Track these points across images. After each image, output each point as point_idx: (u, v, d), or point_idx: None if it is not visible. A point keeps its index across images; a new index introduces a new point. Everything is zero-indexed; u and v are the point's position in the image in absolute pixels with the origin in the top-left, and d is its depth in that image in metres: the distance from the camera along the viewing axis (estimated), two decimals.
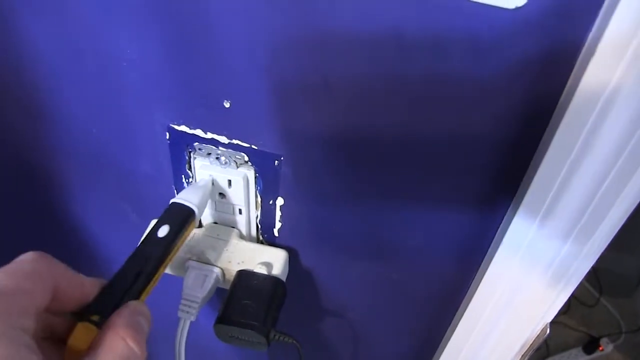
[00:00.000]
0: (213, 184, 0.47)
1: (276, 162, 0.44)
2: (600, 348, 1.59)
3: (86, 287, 0.31)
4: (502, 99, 0.35)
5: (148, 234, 0.40)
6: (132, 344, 0.28)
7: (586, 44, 0.31)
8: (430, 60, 0.34)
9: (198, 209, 0.43)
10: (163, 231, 0.40)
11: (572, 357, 1.60)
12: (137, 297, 0.34)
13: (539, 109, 0.35)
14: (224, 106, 0.42)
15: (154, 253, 0.38)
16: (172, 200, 0.43)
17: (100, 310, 0.31)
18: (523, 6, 0.30)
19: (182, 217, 0.42)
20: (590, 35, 0.31)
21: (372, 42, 0.34)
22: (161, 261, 0.38)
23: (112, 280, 0.34)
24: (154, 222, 0.52)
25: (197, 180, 0.48)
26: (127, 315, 0.31)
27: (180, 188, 0.50)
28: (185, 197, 0.43)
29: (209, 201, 0.49)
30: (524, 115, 0.36)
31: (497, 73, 0.34)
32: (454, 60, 0.34)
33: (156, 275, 0.37)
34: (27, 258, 0.28)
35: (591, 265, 0.43)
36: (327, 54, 0.36)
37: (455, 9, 0.31)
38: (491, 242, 0.46)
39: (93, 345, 0.28)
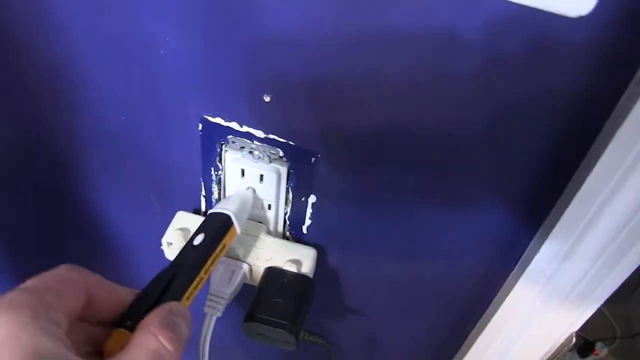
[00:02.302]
0: (255, 192, 0.47)
1: (312, 159, 0.44)
2: (595, 352, 1.61)
3: (122, 295, 0.31)
4: (553, 109, 0.35)
5: (185, 245, 0.40)
6: (165, 341, 0.28)
7: None
8: (483, 65, 0.34)
9: (235, 215, 0.43)
10: (198, 239, 0.40)
11: None
12: (175, 299, 0.34)
13: (588, 124, 0.35)
14: (264, 100, 0.41)
15: (188, 259, 0.38)
16: (209, 212, 0.43)
17: (134, 316, 0.30)
18: (587, 15, 0.29)
19: (218, 224, 0.42)
20: None
21: (427, 44, 0.34)
22: (198, 266, 0.37)
23: (146, 287, 0.33)
24: (179, 213, 0.52)
25: (226, 173, 0.47)
26: (161, 315, 0.30)
27: (208, 180, 0.49)
28: (221, 205, 0.43)
29: None
30: (571, 128, 0.35)
31: (551, 81, 0.33)
32: (509, 68, 0.33)
33: (195, 281, 0.36)
34: (61, 267, 0.29)
35: (622, 281, 0.43)
36: (376, 52, 0.35)
37: (515, 15, 0.31)
38: (521, 254, 0.45)
39: (126, 344, 0.28)
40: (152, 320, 0.29)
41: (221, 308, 0.46)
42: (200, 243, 0.39)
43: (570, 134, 0.36)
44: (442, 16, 0.32)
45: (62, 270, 0.28)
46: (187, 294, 0.35)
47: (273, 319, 0.43)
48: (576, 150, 0.36)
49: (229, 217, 0.43)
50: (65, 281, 0.28)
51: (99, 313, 0.30)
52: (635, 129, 0.32)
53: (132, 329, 0.29)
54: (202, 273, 0.38)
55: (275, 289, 0.45)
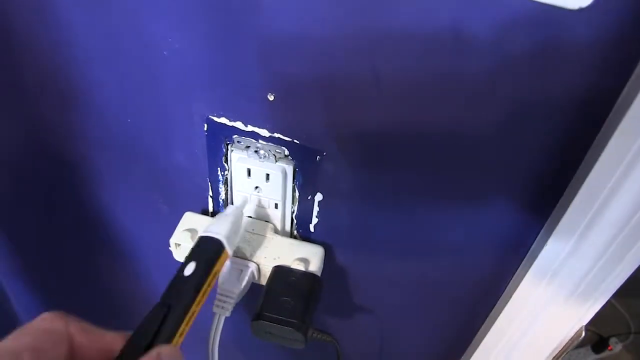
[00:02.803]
0: (246, 205, 0.47)
1: (318, 157, 0.43)
2: (609, 348, 1.59)
3: (107, 342, 0.30)
4: (556, 106, 0.34)
5: (176, 273, 0.38)
6: None
7: None
8: (487, 60, 0.33)
9: (227, 239, 0.41)
10: (189, 269, 0.37)
11: (580, 356, 1.60)
12: (167, 342, 0.32)
13: (590, 118, 0.35)
14: (268, 99, 0.41)
15: (181, 294, 0.36)
16: (199, 234, 0.41)
17: None
18: (587, 7, 0.29)
19: (210, 252, 0.40)
20: None
21: (430, 42, 0.33)
22: (189, 301, 0.35)
23: (137, 330, 0.32)
24: (187, 214, 0.52)
25: (232, 173, 0.47)
26: None
27: (215, 181, 0.49)
28: (213, 230, 0.41)
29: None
30: (573, 122, 0.35)
31: (553, 76, 0.33)
32: (511, 61, 0.33)
33: (187, 316, 0.35)
34: (42, 317, 0.29)
35: (630, 273, 0.43)
36: (380, 50, 0.35)
37: (516, 8, 0.30)
38: (528, 249, 0.45)
39: None
40: None
41: (230, 307, 0.46)
42: (192, 273, 0.37)
43: (574, 129, 0.36)
44: (445, 14, 0.32)
45: (43, 322, 0.28)
46: (179, 332, 0.34)
47: (282, 318, 0.43)
48: (580, 144, 0.36)
49: (220, 242, 0.40)
50: (46, 334, 0.28)
51: None
52: (637, 122, 0.31)
53: None
54: (194, 307, 0.36)
55: (283, 288, 0.45)
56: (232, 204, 0.50)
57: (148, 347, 0.31)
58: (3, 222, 0.71)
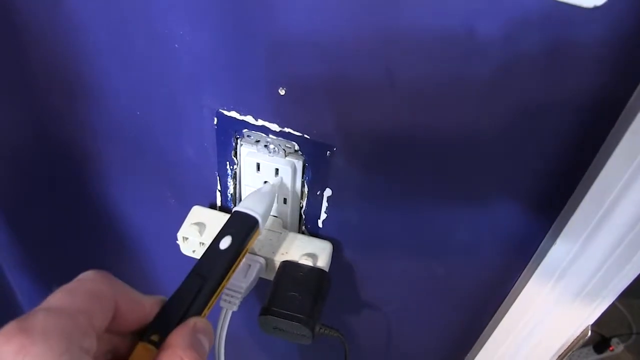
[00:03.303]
0: (281, 183, 0.46)
1: (328, 152, 0.43)
2: (611, 348, 1.59)
3: (146, 306, 0.30)
4: (568, 107, 0.34)
5: (210, 245, 0.38)
6: None
7: None
8: (500, 59, 0.33)
9: (262, 218, 0.41)
10: (225, 243, 0.38)
11: (582, 356, 1.60)
12: (198, 313, 0.33)
13: (602, 118, 0.34)
14: (279, 93, 0.41)
15: (216, 267, 0.36)
16: (234, 209, 0.41)
17: (160, 330, 0.29)
18: (601, 6, 0.29)
19: (246, 228, 0.40)
20: None
21: (443, 39, 0.33)
22: (223, 275, 0.36)
23: (172, 298, 0.32)
24: (195, 208, 0.52)
25: (241, 167, 0.47)
26: (186, 334, 0.29)
27: (224, 175, 0.49)
28: (249, 206, 0.41)
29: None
30: (585, 122, 0.35)
31: (566, 75, 0.33)
32: (524, 60, 0.33)
33: (218, 290, 0.35)
34: (88, 277, 0.27)
35: (636, 275, 0.43)
36: (392, 49, 0.35)
37: (531, 6, 0.30)
38: (535, 249, 0.45)
39: None
40: (178, 341, 0.28)
41: (237, 302, 0.45)
42: (228, 247, 0.38)
43: (584, 130, 0.35)
44: (459, 13, 0.32)
45: (91, 283, 0.27)
46: (209, 305, 0.34)
47: (289, 313, 0.43)
48: (589, 145, 0.36)
49: (256, 220, 0.41)
50: (95, 297, 0.26)
51: (123, 325, 0.29)
52: None
53: (158, 345, 0.28)
54: (225, 281, 0.36)
55: (291, 283, 0.45)
56: (241, 199, 0.50)
57: (182, 317, 0.31)
58: (10, 215, 0.71)
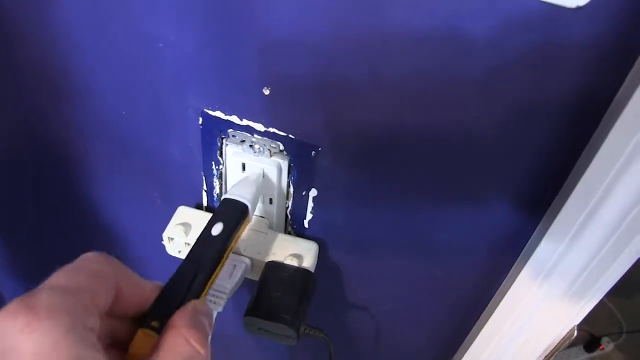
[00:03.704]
0: (264, 176, 0.46)
1: (313, 152, 0.43)
2: (601, 347, 1.60)
3: (145, 290, 0.30)
4: (555, 99, 0.34)
5: (202, 232, 0.38)
6: (196, 344, 0.27)
7: None
8: (484, 59, 0.33)
9: (251, 204, 0.42)
10: (217, 229, 0.38)
11: (573, 355, 1.60)
12: (197, 297, 0.33)
13: (586, 117, 0.34)
14: (264, 93, 0.40)
15: (210, 253, 0.37)
16: (224, 197, 0.42)
17: (160, 316, 0.29)
18: (584, 6, 0.29)
19: (236, 214, 0.40)
20: None
21: (428, 40, 0.33)
22: (217, 260, 0.37)
23: (170, 284, 0.33)
24: (180, 208, 0.51)
25: (227, 167, 0.47)
26: (189, 316, 0.29)
27: (209, 175, 0.49)
28: (238, 193, 0.42)
29: None
30: (570, 121, 0.35)
31: (550, 74, 0.33)
32: (508, 59, 0.33)
33: (214, 275, 0.36)
34: (90, 257, 0.27)
35: (622, 274, 0.43)
36: (376, 49, 0.35)
37: (515, 6, 0.30)
38: (522, 248, 0.45)
39: (155, 347, 0.27)
40: (181, 322, 0.28)
41: (222, 303, 0.45)
42: (220, 233, 0.38)
43: (570, 129, 0.35)
44: (443, 14, 0.32)
45: (94, 264, 0.27)
46: (206, 288, 0.34)
47: (274, 314, 0.43)
48: (575, 144, 0.36)
49: (246, 206, 0.41)
50: (98, 277, 0.26)
51: (123, 307, 0.28)
52: (632, 122, 0.31)
53: (159, 331, 0.28)
54: (219, 267, 0.37)
55: (276, 283, 0.45)
56: None
57: (180, 302, 0.31)
58: None
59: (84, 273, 0.26)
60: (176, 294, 0.32)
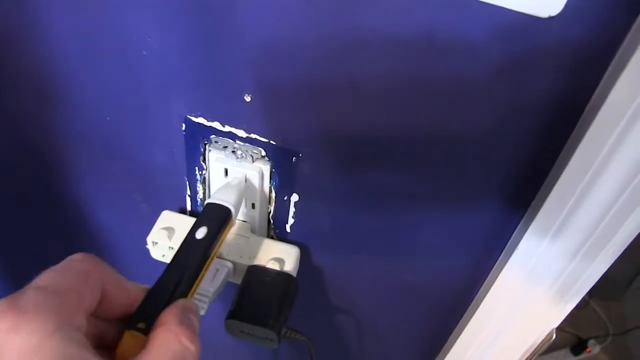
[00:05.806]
0: (246, 181, 0.46)
1: (294, 158, 0.44)
2: (588, 350, 1.61)
3: (131, 292, 0.30)
4: (533, 103, 0.35)
5: (187, 236, 0.39)
6: (186, 341, 0.27)
7: (616, 58, 0.31)
8: (460, 65, 0.34)
9: (235, 208, 0.42)
10: (201, 233, 0.39)
11: (559, 357, 1.62)
12: (184, 297, 0.33)
13: (562, 121, 0.35)
14: (245, 100, 0.41)
15: (195, 256, 0.37)
16: (207, 201, 0.43)
17: (146, 317, 0.30)
18: (557, 15, 0.30)
19: (220, 218, 0.41)
20: (622, 49, 0.31)
21: (404, 47, 0.34)
22: (202, 263, 0.37)
23: (156, 286, 0.33)
24: (164, 213, 0.52)
25: (210, 173, 0.48)
26: (178, 313, 0.29)
27: (193, 180, 0.50)
28: (222, 197, 0.42)
29: None
30: (547, 125, 0.36)
31: (526, 80, 0.34)
32: (484, 66, 0.34)
33: (199, 278, 0.36)
34: (77, 258, 0.28)
35: (600, 275, 0.44)
36: (355, 53, 0.36)
37: (489, 16, 0.31)
38: (503, 249, 0.46)
39: (145, 345, 0.27)
40: (171, 319, 0.29)
41: (205, 306, 0.46)
42: (204, 237, 0.39)
43: (547, 132, 0.36)
44: (419, 22, 0.33)
45: (80, 264, 0.27)
46: (192, 290, 0.35)
47: (255, 317, 0.44)
48: (553, 146, 0.37)
49: (229, 210, 0.42)
50: (84, 277, 0.27)
51: (109, 309, 0.29)
52: (606, 125, 0.32)
53: (145, 332, 0.29)
54: (204, 270, 0.37)
55: (257, 287, 0.46)
56: None
57: (166, 304, 0.31)
58: None
59: (71, 273, 0.26)
60: (163, 296, 0.32)
